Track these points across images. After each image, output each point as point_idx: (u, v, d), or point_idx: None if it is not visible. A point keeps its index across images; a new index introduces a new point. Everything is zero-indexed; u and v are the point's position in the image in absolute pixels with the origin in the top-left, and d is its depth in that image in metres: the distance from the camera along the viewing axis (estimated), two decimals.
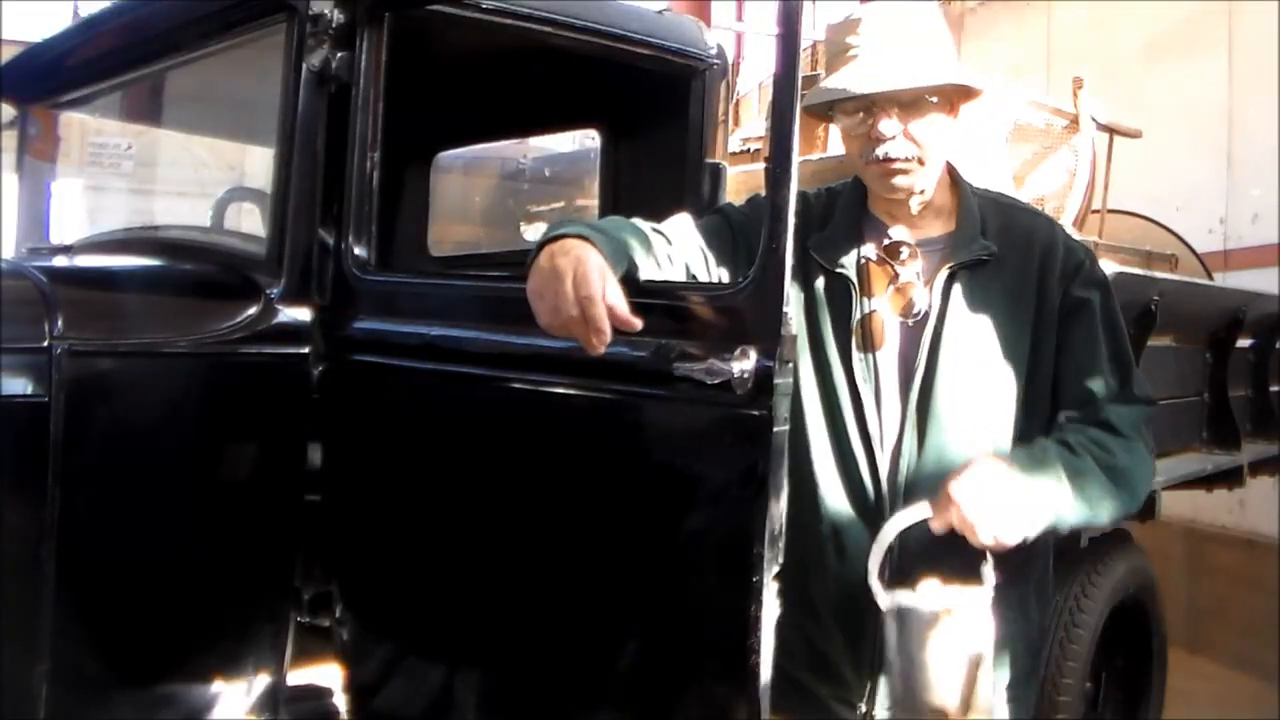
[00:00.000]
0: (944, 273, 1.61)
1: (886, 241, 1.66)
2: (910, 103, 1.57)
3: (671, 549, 1.52)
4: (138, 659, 1.96)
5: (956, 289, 1.61)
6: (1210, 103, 4.97)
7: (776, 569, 1.37)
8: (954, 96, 1.63)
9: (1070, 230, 3.11)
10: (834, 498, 1.61)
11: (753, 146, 3.67)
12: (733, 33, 9.16)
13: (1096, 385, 1.60)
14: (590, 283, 1.35)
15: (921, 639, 1.42)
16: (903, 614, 1.44)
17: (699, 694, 1.50)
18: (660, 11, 2.58)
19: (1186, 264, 3.96)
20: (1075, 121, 3.40)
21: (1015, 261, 1.62)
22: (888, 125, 1.57)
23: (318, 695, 2.29)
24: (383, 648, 2.08)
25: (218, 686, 2.01)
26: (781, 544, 1.38)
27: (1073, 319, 1.63)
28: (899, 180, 1.60)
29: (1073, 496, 1.52)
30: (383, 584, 2.04)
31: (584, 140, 3.46)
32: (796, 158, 1.36)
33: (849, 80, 1.56)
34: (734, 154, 3.26)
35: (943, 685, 1.41)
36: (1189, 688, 3.72)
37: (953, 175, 1.70)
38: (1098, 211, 3.68)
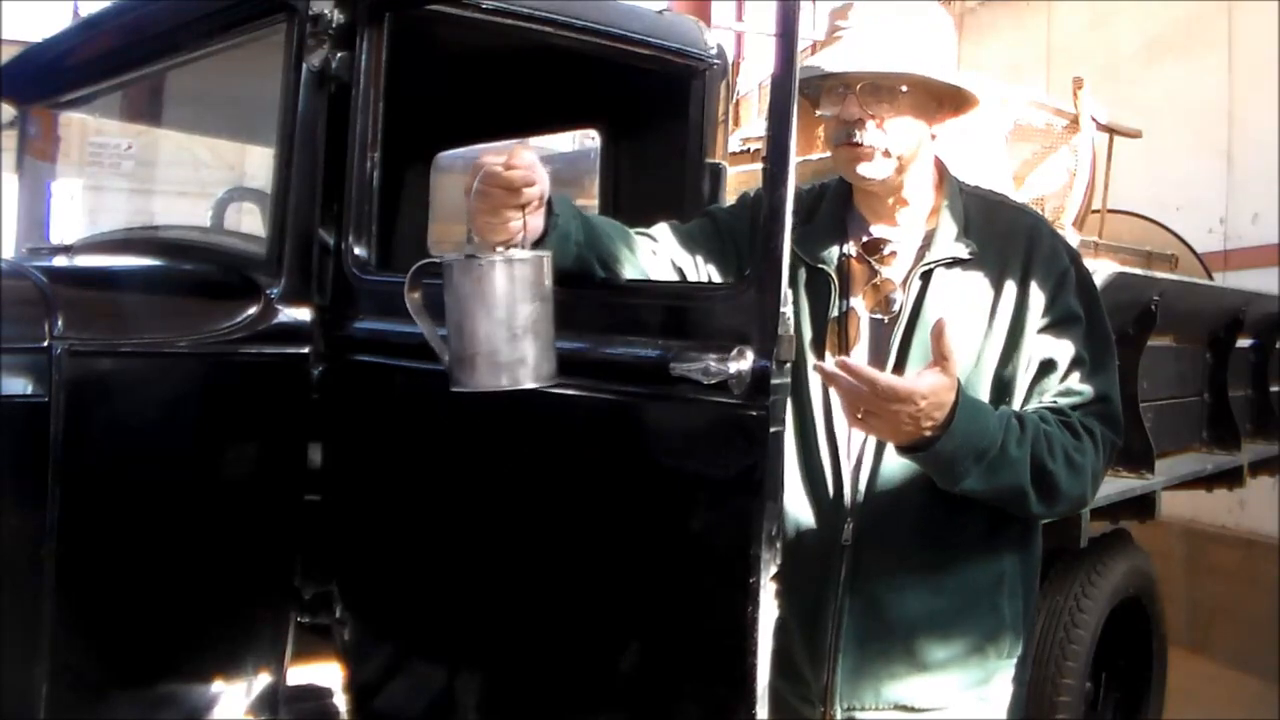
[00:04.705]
0: (918, 271, 1.60)
1: (866, 238, 1.65)
2: (884, 90, 1.56)
3: (669, 549, 1.52)
4: (138, 659, 1.96)
5: (931, 288, 1.59)
6: (1210, 102, 4.97)
7: (774, 570, 1.37)
8: (941, 99, 1.61)
9: (1070, 230, 3.13)
10: (796, 499, 1.61)
11: (753, 146, 3.67)
12: (733, 33, 9.15)
13: (1075, 400, 1.58)
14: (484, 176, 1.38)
15: (476, 287, 1.37)
16: (459, 266, 1.37)
17: (696, 695, 1.50)
18: (660, 11, 2.57)
19: (1186, 264, 3.97)
20: (1075, 121, 3.39)
21: (995, 261, 1.60)
22: (855, 107, 1.56)
23: (318, 695, 2.29)
24: (383, 648, 2.08)
25: (218, 686, 2.01)
26: (779, 545, 1.38)
27: (1059, 330, 1.59)
28: (863, 168, 1.58)
29: (1011, 459, 1.47)
30: (383, 584, 2.04)
31: (584, 140, 3.46)
32: (794, 157, 1.36)
33: (825, 60, 1.56)
34: (734, 154, 3.25)
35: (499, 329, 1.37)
36: (1189, 688, 3.72)
37: (940, 173, 1.68)
38: (1098, 211, 3.68)
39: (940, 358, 1.40)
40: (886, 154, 1.57)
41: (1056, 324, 1.59)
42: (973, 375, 1.57)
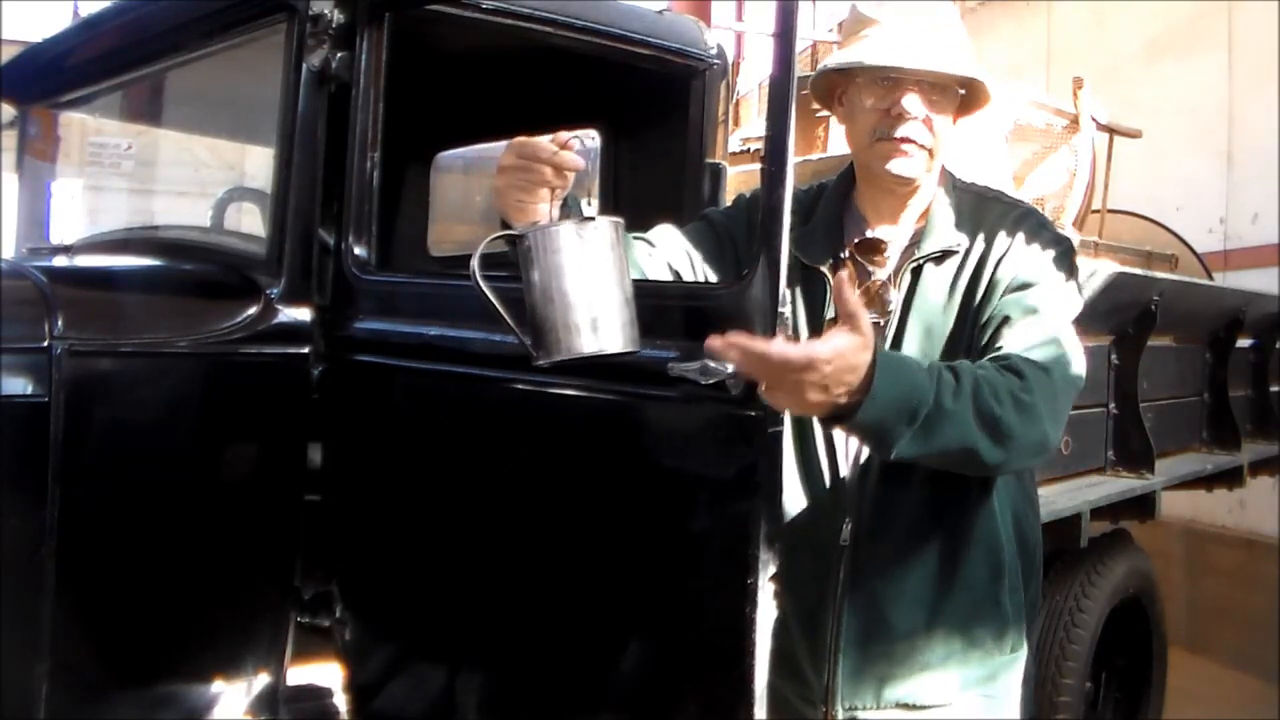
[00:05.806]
0: (908, 267, 1.60)
1: (858, 239, 1.65)
2: (939, 89, 1.56)
3: (667, 550, 1.52)
4: (138, 659, 1.96)
5: (920, 286, 1.59)
6: (1210, 102, 4.97)
7: (773, 570, 1.37)
8: (961, 103, 1.62)
9: (1070, 230, 3.13)
10: (794, 499, 1.61)
11: (753, 146, 3.67)
12: (733, 33, 9.16)
13: (1025, 343, 1.49)
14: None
15: (555, 257, 1.35)
16: (573, 231, 1.35)
17: (695, 695, 1.50)
18: (660, 11, 2.58)
19: (1186, 264, 3.97)
20: (1075, 121, 3.39)
21: (980, 253, 1.59)
22: (913, 104, 1.55)
23: (318, 695, 2.29)
24: (383, 648, 2.08)
25: (218, 686, 2.01)
26: (778, 545, 1.38)
27: (1019, 290, 1.53)
28: (902, 164, 1.57)
29: (953, 405, 1.36)
30: (382, 584, 2.04)
31: (584, 140, 3.46)
32: (792, 158, 1.36)
33: (882, 52, 1.54)
34: (734, 154, 3.25)
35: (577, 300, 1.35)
36: (1189, 688, 3.72)
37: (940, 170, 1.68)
38: (1098, 211, 3.68)
39: (846, 316, 1.27)
40: (932, 153, 1.58)
41: (1019, 286, 1.54)
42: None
